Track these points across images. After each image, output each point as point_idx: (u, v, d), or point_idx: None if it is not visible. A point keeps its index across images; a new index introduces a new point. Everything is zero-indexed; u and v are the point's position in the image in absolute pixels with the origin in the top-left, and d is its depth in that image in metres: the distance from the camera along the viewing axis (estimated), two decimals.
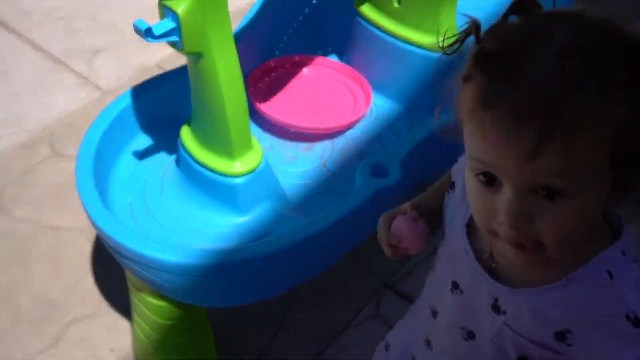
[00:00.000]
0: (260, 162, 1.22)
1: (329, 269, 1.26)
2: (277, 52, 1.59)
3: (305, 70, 1.56)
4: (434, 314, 0.80)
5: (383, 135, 1.45)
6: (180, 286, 1.12)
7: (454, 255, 0.75)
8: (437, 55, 1.51)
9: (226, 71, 1.09)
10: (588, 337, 0.65)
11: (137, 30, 0.99)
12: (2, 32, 2.18)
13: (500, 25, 0.62)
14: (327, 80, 1.54)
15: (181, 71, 1.37)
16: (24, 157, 1.80)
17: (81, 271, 1.56)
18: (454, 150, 1.32)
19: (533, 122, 0.56)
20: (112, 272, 1.44)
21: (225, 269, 1.08)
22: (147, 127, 1.36)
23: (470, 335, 0.75)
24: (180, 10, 0.99)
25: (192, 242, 1.20)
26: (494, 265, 0.70)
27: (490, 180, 0.61)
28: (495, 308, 0.70)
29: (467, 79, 0.62)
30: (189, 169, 1.24)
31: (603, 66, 0.58)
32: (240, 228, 1.24)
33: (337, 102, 1.49)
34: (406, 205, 0.81)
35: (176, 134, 1.34)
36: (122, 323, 1.44)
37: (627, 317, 0.63)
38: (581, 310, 0.65)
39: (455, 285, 0.75)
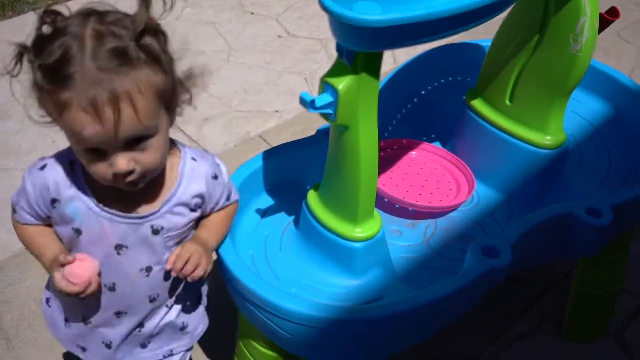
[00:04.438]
0: (379, 231, 1.31)
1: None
2: (386, 134, 1.72)
3: (411, 153, 1.67)
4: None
5: (484, 221, 1.53)
6: (298, 337, 1.19)
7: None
8: (542, 151, 1.62)
9: (367, 143, 1.20)
10: None
11: (302, 100, 1.11)
12: None
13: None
14: (431, 164, 1.65)
15: (306, 141, 1.51)
16: None
17: None
18: (561, 238, 1.40)
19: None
20: None
21: (350, 324, 1.15)
22: (271, 189, 1.48)
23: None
24: (340, 86, 1.11)
25: (308, 298, 1.28)
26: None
27: (100, 154, 0.92)
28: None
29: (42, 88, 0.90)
30: (310, 229, 1.34)
31: (125, 52, 0.87)
32: (353, 290, 1.32)
33: (441, 185, 1.59)
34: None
35: (295, 198, 1.46)
36: None
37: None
38: None
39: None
